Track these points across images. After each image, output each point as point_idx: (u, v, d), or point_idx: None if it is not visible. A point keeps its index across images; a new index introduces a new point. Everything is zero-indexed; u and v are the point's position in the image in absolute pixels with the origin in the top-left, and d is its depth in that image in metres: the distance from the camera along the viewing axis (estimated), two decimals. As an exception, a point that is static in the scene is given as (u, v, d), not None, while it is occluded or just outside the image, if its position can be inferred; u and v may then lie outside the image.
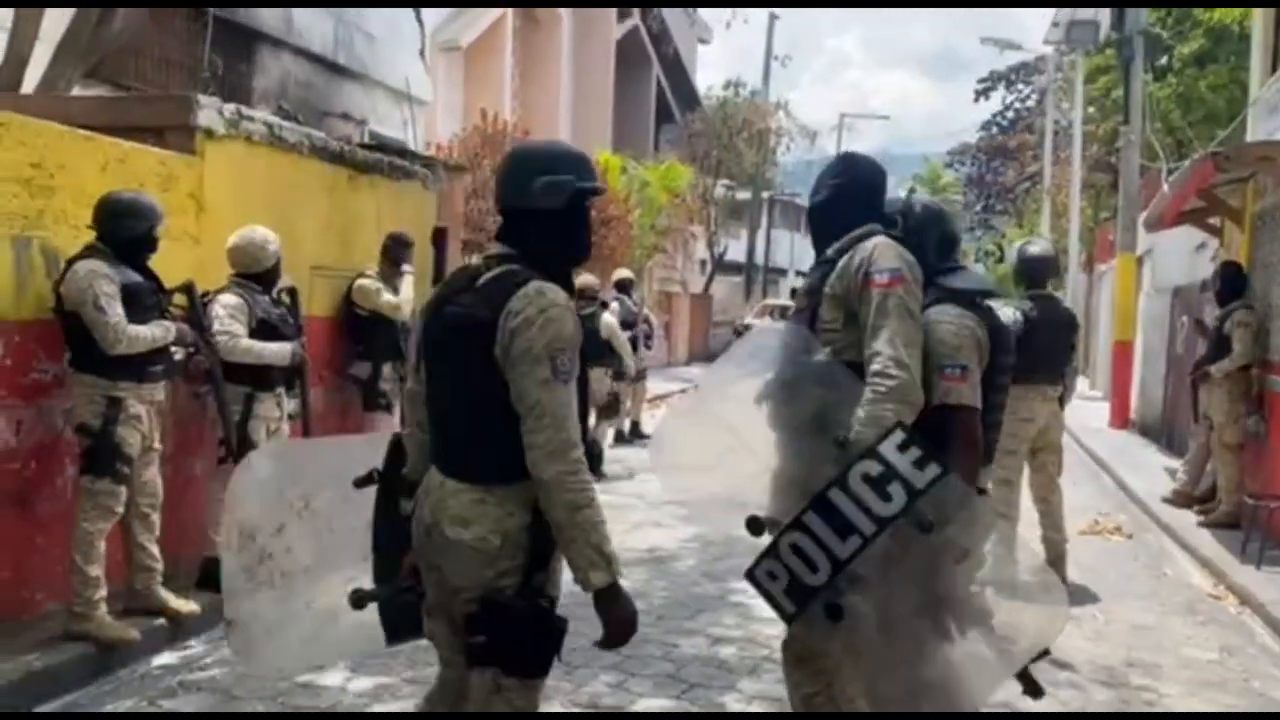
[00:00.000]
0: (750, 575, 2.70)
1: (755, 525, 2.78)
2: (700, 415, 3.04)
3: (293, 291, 5.62)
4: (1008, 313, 6.06)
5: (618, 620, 2.33)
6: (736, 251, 30.99)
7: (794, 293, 3.35)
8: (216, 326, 5.09)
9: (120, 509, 4.42)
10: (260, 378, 5.25)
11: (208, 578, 5.20)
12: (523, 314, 2.29)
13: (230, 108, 5.60)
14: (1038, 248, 6.32)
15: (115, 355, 4.28)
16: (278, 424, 5.43)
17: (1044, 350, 5.84)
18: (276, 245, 5.38)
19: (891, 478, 2.51)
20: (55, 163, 4.52)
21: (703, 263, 29.55)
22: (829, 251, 2.97)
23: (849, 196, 3.03)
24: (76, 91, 7.16)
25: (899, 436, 2.54)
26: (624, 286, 11.18)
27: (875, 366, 2.71)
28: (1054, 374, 5.95)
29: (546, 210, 2.43)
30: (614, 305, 10.49)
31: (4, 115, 4.32)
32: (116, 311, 4.25)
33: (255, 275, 5.33)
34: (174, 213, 5.16)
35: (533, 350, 2.27)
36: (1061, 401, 6.05)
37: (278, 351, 5.27)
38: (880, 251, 2.82)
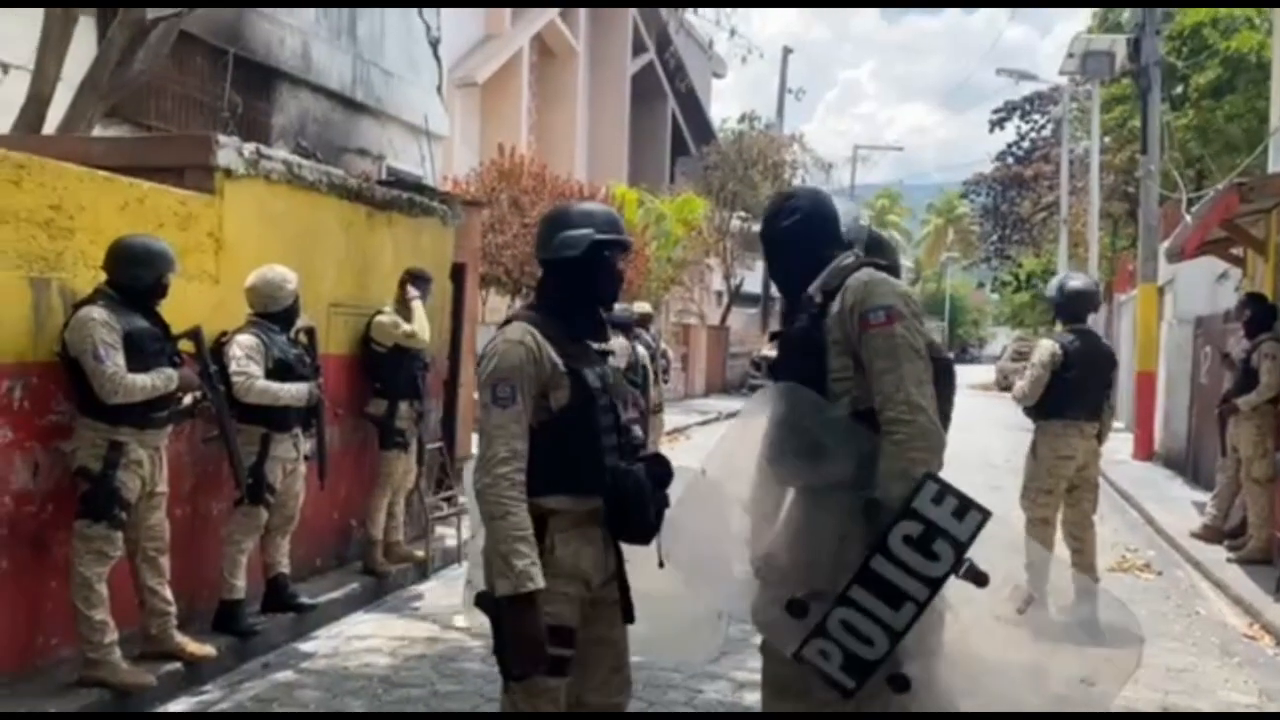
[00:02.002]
0: (798, 657, 2.54)
1: (799, 607, 2.59)
2: (710, 499, 2.84)
3: (310, 331, 5.59)
4: (1046, 345, 5.99)
5: (516, 635, 2.55)
6: (753, 283, 30.95)
7: (772, 337, 3.19)
8: (233, 367, 5.06)
9: (116, 553, 4.37)
10: (276, 419, 5.22)
11: (224, 620, 5.15)
12: (485, 350, 2.71)
13: (250, 147, 5.60)
14: (1079, 282, 6.20)
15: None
16: (294, 464, 5.40)
17: (1080, 386, 5.75)
18: (295, 284, 5.36)
19: (934, 535, 2.38)
20: (75, 204, 4.52)
21: (719, 294, 29.53)
22: (811, 291, 2.82)
23: (812, 229, 2.90)
24: (97, 131, 7.21)
25: (932, 489, 2.40)
26: (643, 321, 11.14)
27: (889, 413, 2.56)
28: (1092, 410, 5.85)
29: (565, 261, 2.75)
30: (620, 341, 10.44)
31: (23, 158, 4.32)
32: (115, 361, 4.22)
33: (273, 315, 5.31)
34: (192, 252, 5.15)
35: (481, 379, 2.68)
36: (1099, 438, 5.94)
37: (295, 392, 5.24)
38: (870, 289, 2.68)
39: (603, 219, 2.80)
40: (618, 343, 7.83)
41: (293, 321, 5.41)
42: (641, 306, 11.65)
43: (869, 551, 2.42)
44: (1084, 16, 26.45)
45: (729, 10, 9.28)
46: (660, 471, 2.74)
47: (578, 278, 2.77)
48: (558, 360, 2.68)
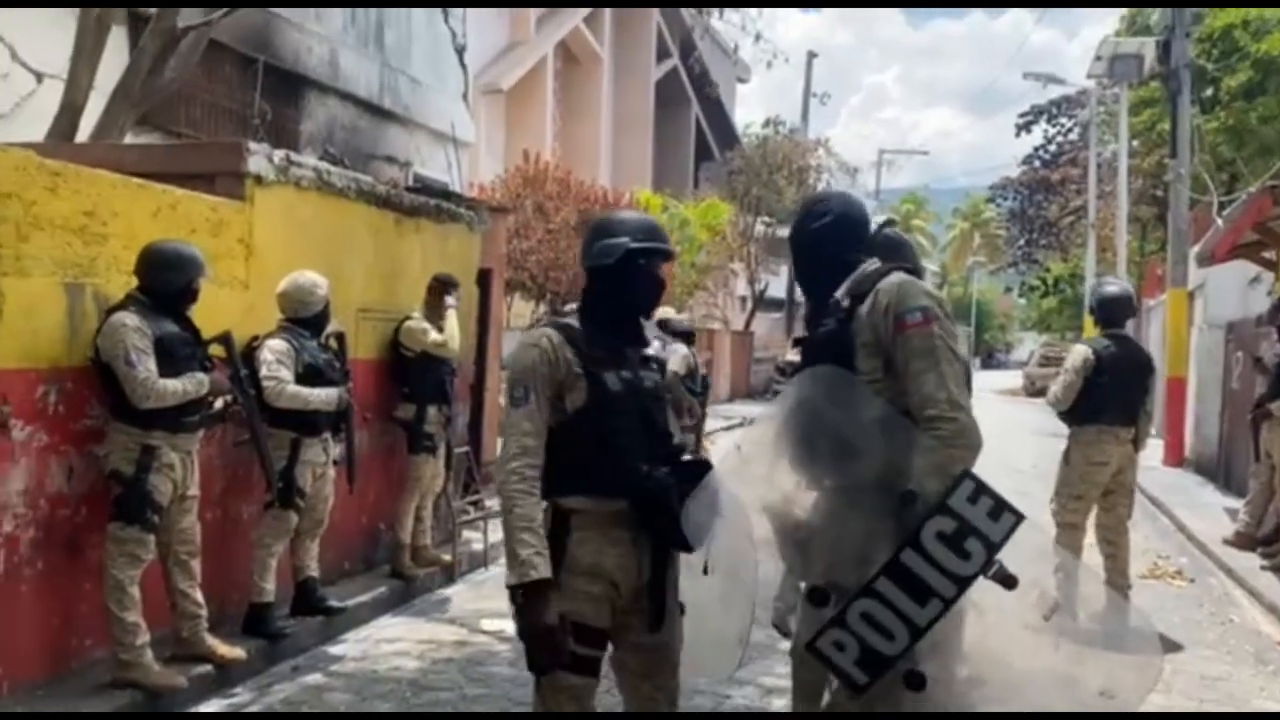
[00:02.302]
0: (812, 647, 2.52)
1: (820, 595, 2.59)
2: (741, 478, 2.85)
3: (340, 336, 5.63)
4: (1079, 350, 5.95)
5: (525, 624, 2.63)
6: (777, 288, 30.91)
7: (796, 342, 3.17)
8: (264, 372, 5.10)
9: (148, 556, 4.41)
10: (306, 423, 5.25)
11: (254, 623, 5.19)
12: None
13: (280, 154, 5.65)
14: (1115, 288, 6.18)
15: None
16: (323, 469, 5.43)
17: (1114, 391, 5.70)
18: (325, 290, 5.40)
19: (967, 533, 2.36)
20: (108, 210, 4.57)
21: (743, 299, 29.47)
22: (839, 295, 2.80)
23: (840, 233, 2.89)
24: (129, 139, 7.28)
25: (969, 487, 2.39)
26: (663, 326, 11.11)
27: (930, 411, 2.55)
28: (1127, 416, 5.79)
29: (603, 268, 2.84)
30: (655, 344, 10.43)
31: (59, 165, 4.37)
32: (147, 366, 4.26)
33: (304, 320, 5.35)
34: (223, 258, 5.20)
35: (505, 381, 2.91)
36: (1135, 444, 5.88)
37: (324, 397, 5.27)
38: (904, 291, 2.68)
39: (637, 227, 2.88)
40: (676, 349, 7.84)
41: (323, 327, 5.45)
42: (667, 312, 11.63)
43: (900, 545, 2.41)
44: (1112, 20, 26.27)
45: (754, 15, 9.23)
46: (699, 476, 2.73)
47: (614, 284, 2.85)
48: (575, 363, 2.75)
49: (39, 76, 7.82)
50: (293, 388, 5.16)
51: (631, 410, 2.78)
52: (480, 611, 6.12)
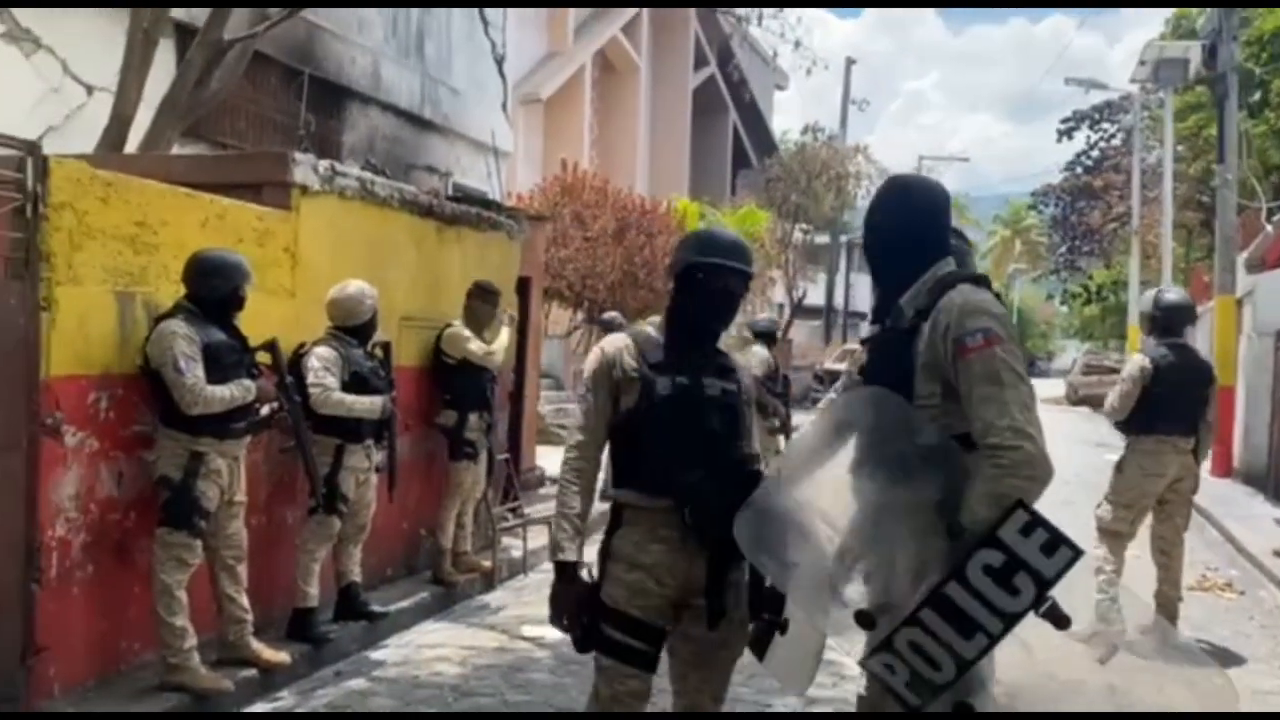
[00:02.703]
0: (865, 665, 2.45)
1: (867, 619, 2.47)
2: (783, 500, 2.77)
3: (386, 346, 5.68)
4: (1136, 359, 5.86)
5: (551, 593, 2.97)
6: (815, 295, 30.80)
7: (861, 343, 3.10)
8: (310, 379, 5.16)
9: (195, 561, 4.48)
10: (350, 430, 5.31)
11: (298, 627, 5.24)
12: None
13: (324, 164, 5.72)
14: (1175, 295, 6.07)
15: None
16: (366, 475, 5.49)
17: (1172, 401, 5.59)
18: (374, 299, 5.47)
19: (1017, 567, 2.22)
20: (158, 220, 4.65)
21: (781, 307, 29.39)
22: (902, 304, 2.66)
23: (910, 230, 2.71)
24: (176, 150, 7.41)
25: (1021, 518, 2.23)
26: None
27: (992, 440, 2.38)
28: (1187, 426, 5.68)
29: (675, 280, 3.03)
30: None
31: (111, 176, 4.46)
32: (195, 373, 4.33)
33: (352, 328, 5.42)
34: (269, 267, 5.27)
35: None
36: (1196, 455, 5.78)
37: (369, 405, 5.33)
38: (965, 310, 2.50)
39: (704, 242, 3.05)
40: (755, 351, 7.81)
41: (371, 335, 5.52)
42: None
43: (944, 577, 2.29)
44: (1155, 24, 25.91)
45: (794, 22, 9.21)
46: (747, 485, 2.80)
47: (680, 296, 3.03)
48: (633, 367, 2.97)
49: (89, 89, 7.98)
50: (338, 394, 5.21)
51: (682, 414, 2.92)
52: (521, 618, 6.14)
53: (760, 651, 2.91)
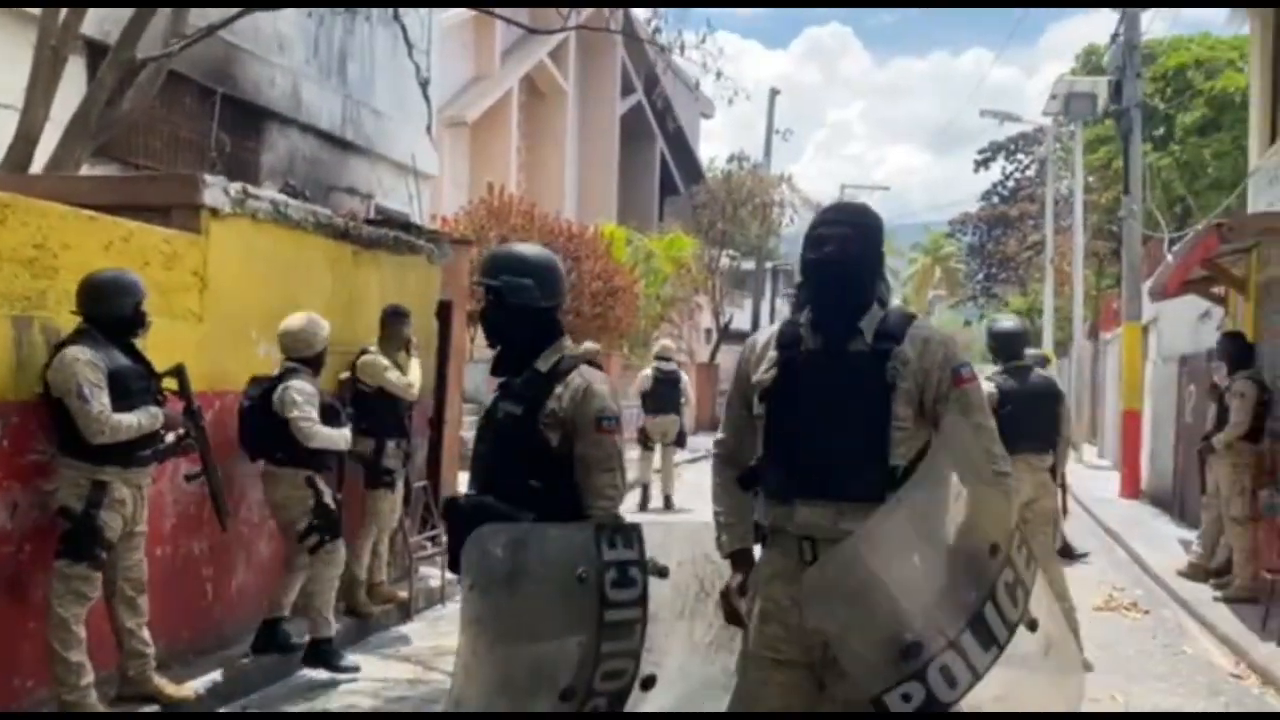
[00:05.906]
0: (878, 701, 2.41)
1: (915, 649, 2.42)
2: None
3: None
4: (986, 386, 6.02)
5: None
6: (742, 320, 31.07)
7: (781, 348, 3.07)
8: (295, 414, 5.21)
9: (95, 594, 4.35)
10: (319, 460, 5.41)
11: (267, 639, 5.35)
12: None
13: (236, 186, 5.62)
14: (1007, 323, 6.52)
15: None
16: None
17: (1020, 421, 5.72)
18: (327, 330, 5.47)
19: (1018, 583, 2.48)
20: (59, 243, 4.52)
21: (708, 332, 29.59)
22: (863, 327, 2.69)
23: (866, 256, 2.73)
24: (85, 170, 7.21)
25: (1018, 536, 2.50)
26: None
27: (1000, 469, 2.67)
28: (1040, 444, 5.86)
29: None
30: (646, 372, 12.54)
31: (7, 196, 4.33)
32: (101, 401, 4.21)
33: (307, 359, 5.41)
34: (177, 291, 5.16)
35: None
36: (1054, 472, 5.95)
37: (344, 437, 5.47)
38: (951, 344, 2.76)
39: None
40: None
41: (322, 367, 5.56)
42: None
43: (981, 600, 2.44)
44: (1068, 59, 26.82)
45: (715, 53, 9.31)
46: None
47: None
48: None
49: (-7, 107, 7.73)
50: (322, 429, 5.29)
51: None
52: (437, 649, 6.04)
53: None
